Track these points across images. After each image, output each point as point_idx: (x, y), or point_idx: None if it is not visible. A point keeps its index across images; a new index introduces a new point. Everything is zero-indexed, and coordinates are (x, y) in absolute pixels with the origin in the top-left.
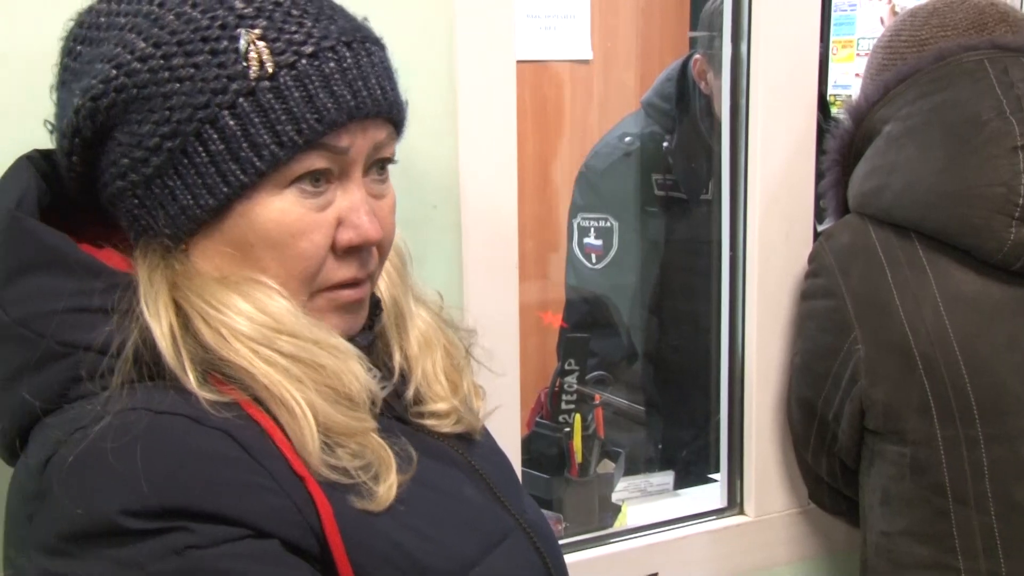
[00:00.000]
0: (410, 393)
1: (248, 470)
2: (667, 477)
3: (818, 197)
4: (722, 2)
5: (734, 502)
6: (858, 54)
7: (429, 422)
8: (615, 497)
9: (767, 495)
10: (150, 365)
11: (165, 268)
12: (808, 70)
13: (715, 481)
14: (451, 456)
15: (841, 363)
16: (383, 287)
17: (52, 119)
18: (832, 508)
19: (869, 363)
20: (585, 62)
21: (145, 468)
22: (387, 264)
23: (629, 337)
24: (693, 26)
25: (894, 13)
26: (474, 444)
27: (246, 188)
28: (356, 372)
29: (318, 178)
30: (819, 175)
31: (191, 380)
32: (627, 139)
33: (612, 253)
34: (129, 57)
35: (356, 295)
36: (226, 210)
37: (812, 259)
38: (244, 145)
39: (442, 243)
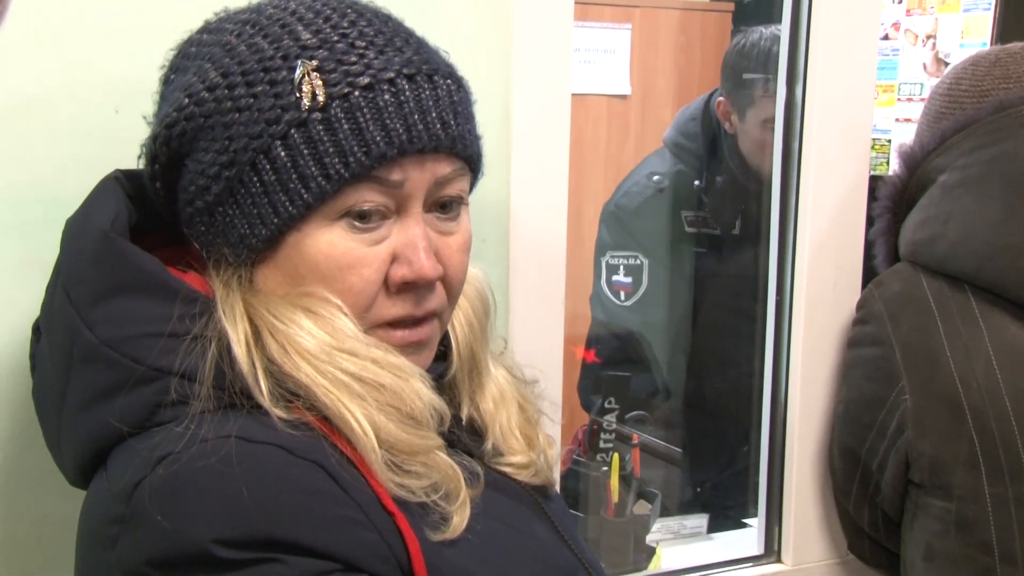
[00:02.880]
0: (488, 446)
1: (340, 504)
2: (701, 520)
3: (868, 244)
4: (761, 40)
5: (771, 549)
6: (899, 99)
7: (507, 470)
8: (649, 539)
9: (805, 544)
10: (234, 392)
11: (238, 284)
12: (862, 115)
13: (749, 526)
14: (519, 494)
15: (887, 413)
16: (460, 335)
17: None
18: (872, 560)
19: (917, 414)
20: (623, 97)
21: (239, 498)
22: (469, 313)
23: (662, 375)
24: None
25: (937, 59)
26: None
27: (296, 220)
28: (419, 390)
29: (365, 213)
30: (869, 221)
31: (264, 392)
32: (655, 178)
33: (642, 290)
34: (200, 86)
35: (413, 336)
36: (279, 241)
37: (861, 306)
38: (293, 176)
39: (490, 277)
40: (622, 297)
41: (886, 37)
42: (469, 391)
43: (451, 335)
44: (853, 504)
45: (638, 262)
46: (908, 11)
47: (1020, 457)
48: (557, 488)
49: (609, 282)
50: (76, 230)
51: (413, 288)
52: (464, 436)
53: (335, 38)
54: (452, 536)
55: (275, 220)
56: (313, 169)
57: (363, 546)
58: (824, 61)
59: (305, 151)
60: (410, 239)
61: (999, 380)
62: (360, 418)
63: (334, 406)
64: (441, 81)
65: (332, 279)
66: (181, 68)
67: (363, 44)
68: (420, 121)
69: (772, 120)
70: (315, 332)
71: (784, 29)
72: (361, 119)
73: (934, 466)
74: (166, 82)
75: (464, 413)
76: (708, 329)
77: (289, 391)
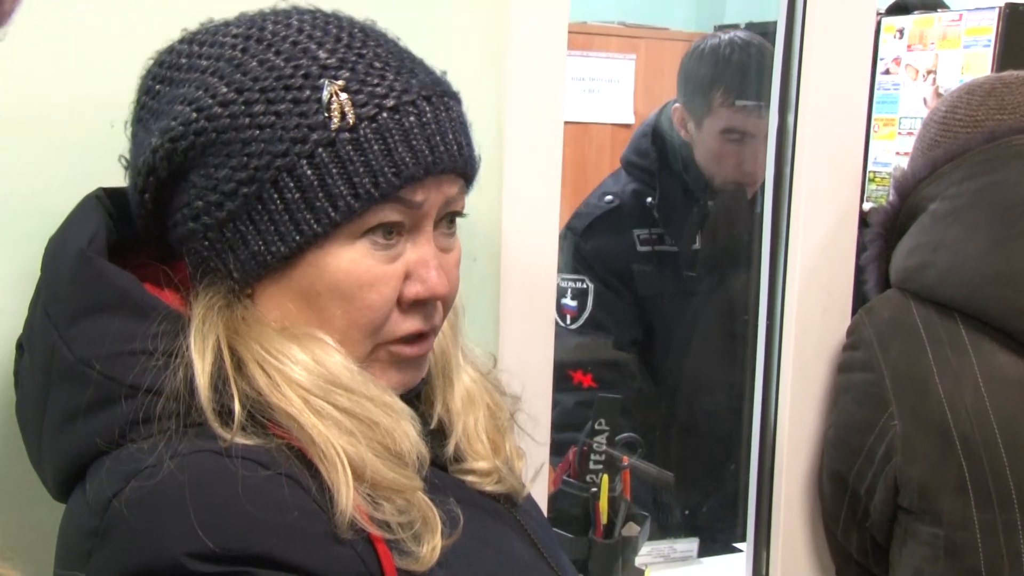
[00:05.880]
0: (450, 448)
1: (315, 518)
2: (691, 544)
3: (859, 270)
4: (721, 46)
5: (759, 574)
6: (899, 132)
7: (470, 479)
8: (638, 561)
9: (794, 569)
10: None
11: (226, 309)
12: (854, 143)
13: (739, 551)
14: (498, 510)
15: (876, 438)
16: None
17: (127, 155)
18: None
19: (905, 440)
20: (627, 126)
21: (212, 511)
22: None
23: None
24: None
25: (938, 94)
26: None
27: (319, 238)
28: (408, 432)
29: (390, 231)
30: (860, 248)
31: (218, 421)
32: (607, 198)
33: (585, 314)
34: (210, 101)
35: (418, 351)
36: (297, 258)
37: (851, 332)
38: (320, 195)
39: (480, 296)
40: (568, 320)
41: (887, 72)
42: (442, 389)
43: None
44: (842, 529)
45: (584, 286)
46: (909, 46)
47: (1008, 483)
48: (543, 505)
49: (558, 305)
50: (55, 249)
51: (423, 305)
52: (430, 442)
53: (353, 58)
54: (420, 569)
55: (296, 238)
56: (342, 188)
57: (336, 560)
58: (816, 88)
59: (333, 170)
60: (423, 257)
61: (987, 407)
62: (341, 454)
63: (320, 439)
64: (452, 103)
65: (351, 297)
66: (171, 80)
67: (380, 65)
68: (441, 143)
69: (731, 131)
70: (309, 366)
71: (776, 56)
72: (390, 140)
73: (923, 492)
74: (148, 92)
75: (436, 412)
76: (678, 349)
77: (271, 422)
